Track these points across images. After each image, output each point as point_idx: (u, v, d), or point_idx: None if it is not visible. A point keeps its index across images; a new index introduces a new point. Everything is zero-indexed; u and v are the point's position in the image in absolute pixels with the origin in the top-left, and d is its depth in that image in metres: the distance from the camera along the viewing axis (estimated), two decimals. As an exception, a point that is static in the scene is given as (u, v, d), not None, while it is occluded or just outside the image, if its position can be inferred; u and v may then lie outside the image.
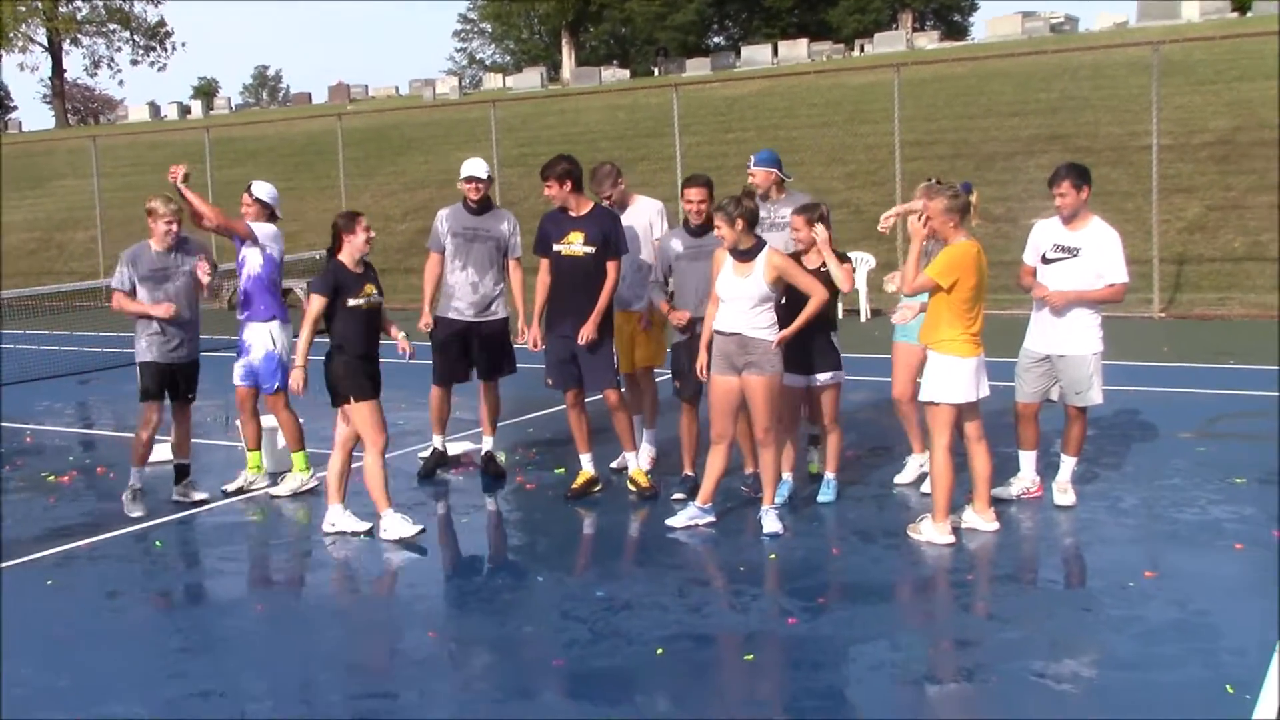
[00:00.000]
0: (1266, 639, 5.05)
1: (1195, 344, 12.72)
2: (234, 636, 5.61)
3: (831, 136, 22.38)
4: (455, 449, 8.76)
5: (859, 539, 6.75)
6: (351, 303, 6.92)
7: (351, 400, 6.91)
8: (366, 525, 7.03)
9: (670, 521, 7.00)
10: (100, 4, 54.67)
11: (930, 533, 6.54)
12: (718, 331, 6.85)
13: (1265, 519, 6.67)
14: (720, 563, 6.51)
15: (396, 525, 6.93)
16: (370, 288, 7.00)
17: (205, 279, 7.65)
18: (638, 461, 7.86)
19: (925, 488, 7.26)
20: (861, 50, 41.09)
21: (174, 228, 7.52)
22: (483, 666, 5.22)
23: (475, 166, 8.11)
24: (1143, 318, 14.65)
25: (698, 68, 39.12)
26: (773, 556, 6.46)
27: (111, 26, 55.23)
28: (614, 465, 8.10)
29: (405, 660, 5.27)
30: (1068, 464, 7.15)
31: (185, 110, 49.18)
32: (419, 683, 5.00)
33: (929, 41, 40.30)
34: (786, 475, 7.47)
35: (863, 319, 15.59)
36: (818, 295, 6.73)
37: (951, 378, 6.51)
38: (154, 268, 7.53)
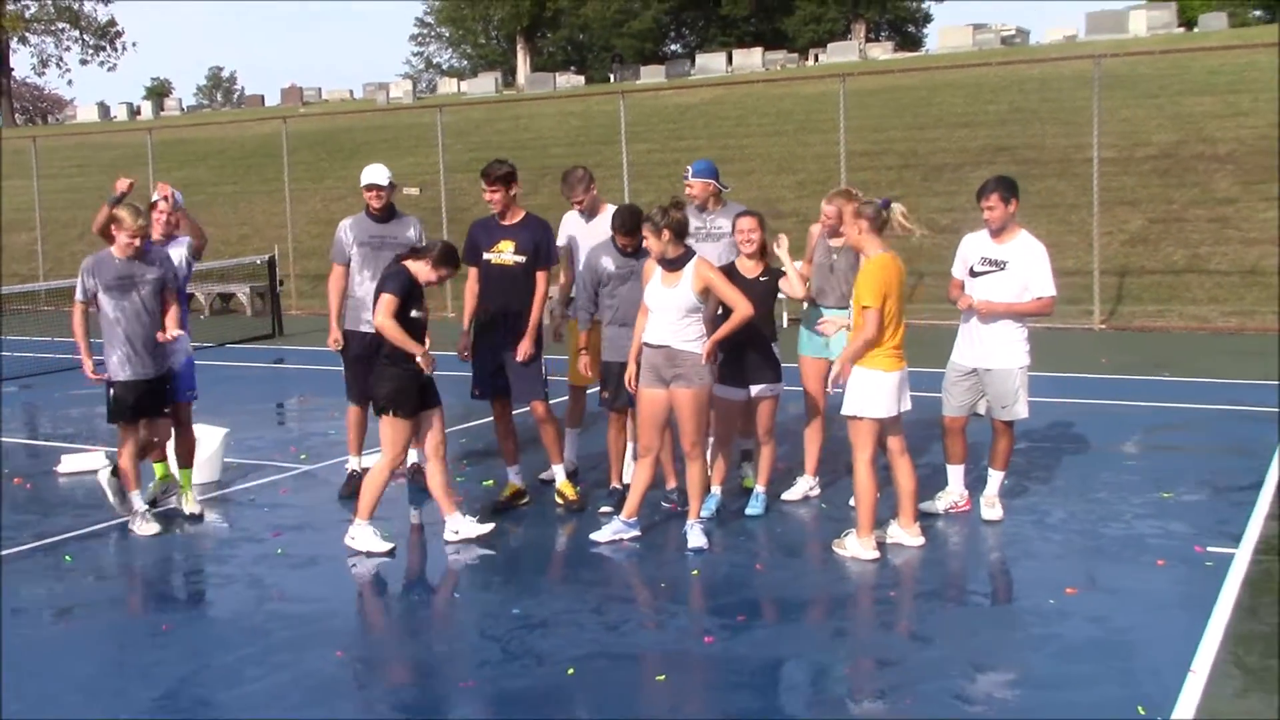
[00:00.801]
0: (1182, 657, 5.02)
1: (1134, 356, 12.78)
2: (132, 658, 5.44)
3: (782, 146, 22.42)
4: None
5: (784, 554, 6.68)
6: (414, 314, 6.79)
7: (390, 413, 6.78)
8: (489, 527, 6.98)
9: (594, 536, 6.89)
10: (49, 2, 53.91)
11: (855, 548, 6.47)
12: (646, 344, 6.76)
13: (1190, 534, 6.67)
14: (642, 579, 6.41)
15: (367, 537, 6.82)
16: (426, 302, 6.93)
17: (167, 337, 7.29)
18: (565, 474, 7.75)
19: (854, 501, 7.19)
20: (815, 60, 41.23)
21: (136, 242, 7.15)
22: (388, 688, 5.08)
23: (375, 173, 7.90)
24: (1084, 329, 14.72)
25: (653, 75, 39.09)
26: (695, 572, 6.37)
27: (60, 25, 54.50)
28: (542, 476, 7.98)
29: (308, 681, 5.11)
30: (995, 478, 7.11)
31: (135, 111, 48.54)
32: (321, 704, 4.86)
33: (883, 52, 40.49)
34: (715, 488, 7.39)
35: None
36: (740, 309, 6.62)
37: (875, 392, 6.43)
38: (119, 275, 7.16)
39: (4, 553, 6.98)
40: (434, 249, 6.88)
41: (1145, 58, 21.98)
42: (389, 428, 6.80)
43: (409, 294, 6.74)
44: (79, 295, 7.28)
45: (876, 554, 6.42)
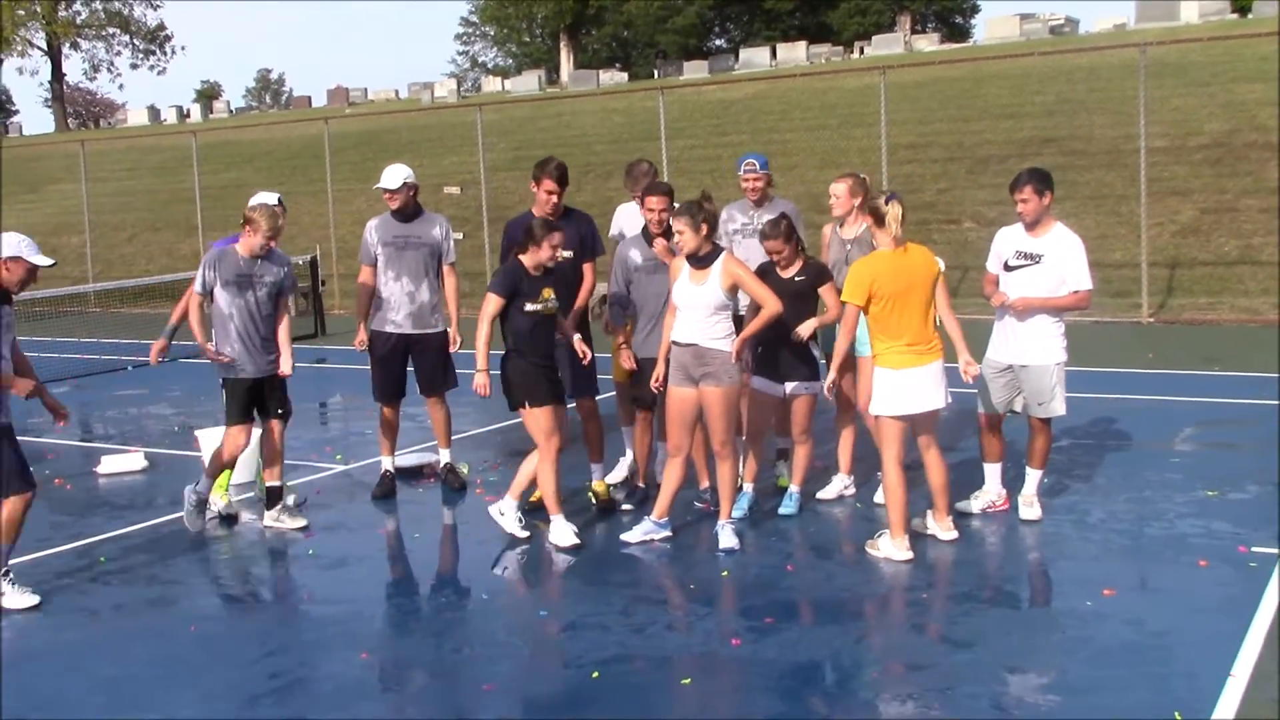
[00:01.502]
0: (1221, 662, 4.87)
1: (1183, 350, 12.52)
2: (164, 658, 5.44)
3: (825, 140, 22.22)
4: (413, 459, 8.60)
5: (815, 555, 6.58)
6: (529, 307, 6.78)
7: (526, 405, 6.78)
8: (572, 539, 6.85)
9: (625, 536, 6.83)
10: (99, 7, 54.69)
11: (888, 549, 6.37)
12: (674, 342, 6.68)
13: (1233, 534, 6.49)
14: (671, 580, 6.34)
15: (563, 532, 6.83)
16: (549, 292, 6.84)
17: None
18: (601, 473, 7.69)
19: (879, 498, 7.11)
20: (861, 53, 40.88)
21: (270, 244, 7.12)
22: (413, 690, 5.05)
23: (386, 177, 7.82)
24: (1132, 322, 14.46)
25: (696, 71, 38.93)
26: (725, 574, 6.29)
27: (111, 30, 55.24)
28: (610, 480, 7.85)
29: (334, 682, 5.09)
30: (1033, 477, 6.97)
31: (185, 114, 49.12)
32: (345, 706, 4.84)
33: (929, 44, 40.08)
34: (748, 486, 7.31)
35: None
36: (769, 306, 6.56)
37: (885, 390, 6.39)
38: (239, 273, 7.15)
39: (41, 554, 7.04)
40: (530, 232, 6.82)
41: (1196, 45, 21.54)
42: (530, 420, 6.82)
43: (514, 289, 6.75)
44: (197, 287, 7.33)
45: (910, 554, 6.31)
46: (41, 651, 5.56)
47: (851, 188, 7.28)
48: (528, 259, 6.81)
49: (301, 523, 7.38)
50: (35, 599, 6.17)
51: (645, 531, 6.82)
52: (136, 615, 6.06)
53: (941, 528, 6.57)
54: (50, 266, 6.47)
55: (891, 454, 6.39)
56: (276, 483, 7.46)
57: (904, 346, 6.32)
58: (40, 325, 19.16)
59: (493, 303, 6.77)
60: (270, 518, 7.43)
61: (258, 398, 7.33)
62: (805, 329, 6.90)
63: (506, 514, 6.96)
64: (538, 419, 6.77)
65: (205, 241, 22.78)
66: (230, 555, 7.04)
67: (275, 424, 7.43)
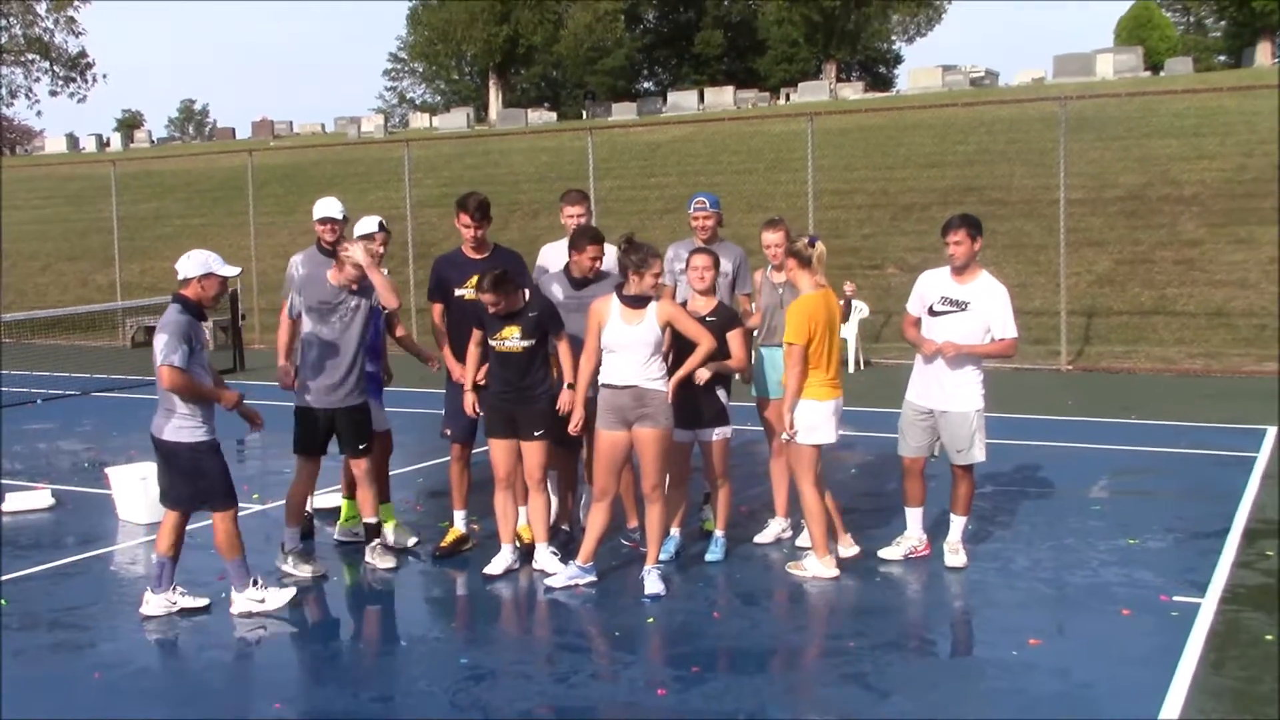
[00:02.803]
0: (1147, 712, 4.88)
1: (1101, 397, 12.73)
2: (66, 707, 5.20)
3: (752, 184, 22.40)
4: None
5: (742, 601, 6.51)
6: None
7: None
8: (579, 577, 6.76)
9: (549, 581, 6.71)
10: (19, 33, 53.51)
11: (815, 567, 6.57)
12: (608, 385, 6.58)
13: (1156, 583, 6.54)
14: (596, 627, 6.22)
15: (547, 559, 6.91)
16: (510, 330, 6.84)
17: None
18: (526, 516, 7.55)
19: (801, 540, 7.18)
20: (787, 99, 41.42)
21: (356, 275, 6.87)
22: (327, 743, 4.88)
23: (329, 206, 7.63)
24: (1050, 370, 14.67)
25: (624, 112, 39.15)
26: (650, 620, 6.19)
27: (30, 56, 54.03)
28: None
29: (245, 735, 4.91)
30: (957, 524, 6.98)
31: (105, 143, 48.23)
32: (255, 761, 4.65)
33: (854, 92, 40.73)
34: (675, 530, 7.24)
35: (851, 369, 14.60)
36: (705, 342, 6.63)
37: (814, 420, 6.63)
38: (323, 300, 6.91)
39: (-64, 596, 6.74)
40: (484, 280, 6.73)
41: (1112, 100, 22.14)
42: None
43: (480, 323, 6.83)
44: (288, 311, 7.18)
45: (836, 572, 6.51)
46: (-67, 701, 5.29)
47: (786, 234, 7.30)
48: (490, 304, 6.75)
49: (390, 564, 7.10)
50: (292, 591, 6.48)
51: (570, 576, 6.71)
52: (38, 662, 5.80)
53: (844, 546, 7.02)
54: (237, 275, 6.54)
55: (810, 477, 6.67)
56: (371, 519, 7.22)
57: (827, 380, 6.65)
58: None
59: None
60: (367, 553, 7.18)
61: (328, 431, 7.06)
62: (704, 374, 6.84)
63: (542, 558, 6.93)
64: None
65: (122, 272, 22.32)
66: (137, 599, 6.75)
67: (357, 462, 7.12)
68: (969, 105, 23.64)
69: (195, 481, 6.27)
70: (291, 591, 6.52)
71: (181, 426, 6.25)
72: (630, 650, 5.82)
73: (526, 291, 6.85)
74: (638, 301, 6.55)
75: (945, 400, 6.78)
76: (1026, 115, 22.06)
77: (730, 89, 41.71)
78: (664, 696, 5.19)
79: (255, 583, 6.42)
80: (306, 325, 7.02)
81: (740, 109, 37.54)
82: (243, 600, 6.38)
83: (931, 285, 6.89)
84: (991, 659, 5.56)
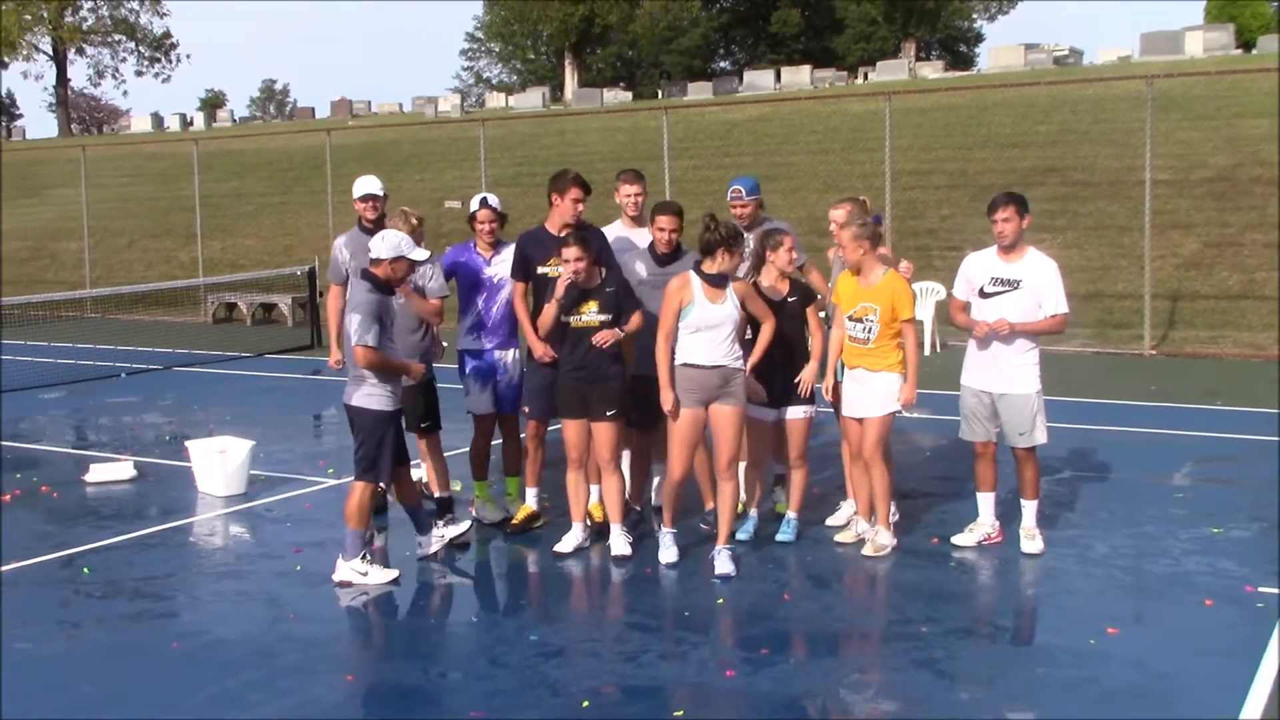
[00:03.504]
0: (1227, 707, 4.75)
1: (1185, 383, 12.41)
2: (145, 676, 5.32)
3: (828, 164, 22.15)
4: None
5: (813, 584, 6.45)
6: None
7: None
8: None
9: (661, 557, 6.72)
10: (106, 14, 54.69)
11: (885, 538, 6.77)
12: (694, 365, 6.52)
13: (1240, 573, 6.37)
14: (666, 607, 6.21)
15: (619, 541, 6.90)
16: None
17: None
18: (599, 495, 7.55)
19: (833, 519, 7.35)
20: (865, 78, 40.93)
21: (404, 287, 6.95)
22: (396, 716, 4.92)
23: (369, 183, 7.63)
24: (1133, 354, 14.35)
25: (700, 92, 38.96)
26: (720, 601, 6.16)
27: (116, 37, 55.26)
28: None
29: (317, 706, 4.96)
30: (1029, 509, 6.84)
31: (188, 122, 49.10)
32: (326, 732, 4.71)
33: (933, 71, 40.12)
34: (751, 511, 7.21)
35: (927, 352, 14.32)
36: (769, 323, 6.67)
37: (897, 393, 6.68)
38: None
39: (23, 564, 6.91)
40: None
41: (1201, 79, 21.54)
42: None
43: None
44: (331, 276, 7.57)
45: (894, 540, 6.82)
46: (20, 665, 5.42)
47: (851, 211, 7.19)
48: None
49: (461, 528, 7.13)
50: (395, 572, 6.58)
51: (668, 545, 6.76)
52: (118, 630, 5.93)
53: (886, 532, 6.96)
54: (427, 259, 6.76)
55: (885, 450, 6.80)
56: (442, 493, 7.44)
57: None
58: (37, 330, 19.07)
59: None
60: (435, 528, 7.20)
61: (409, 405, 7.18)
62: (808, 376, 6.90)
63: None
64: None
65: (204, 249, 22.72)
66: (215, 571, 6.90)
67: (422, 439, 7.40)
68: (1052, 84, 23.18)
69: (364, 445, 6.51)
70: (394, 573, 6.57)
71: (370, 394, 6.50)
72: (700, 631, 5.80)
73: (603, 269, 6.83)
74: (720, 280, 6.51)
75: (1005, 383, 6.67)
76: (1112, 94, 21.56)
77: (807, 68, 41.32)
78: (732, 678, 5.17)
79: (364, 557, 6.52)
80: None
81: (817, 88, 37.17)
82: (346, 569, 6.50)
83: (979, 267, 6.75)
84: (1066, 647, 5.45)
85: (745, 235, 6.76)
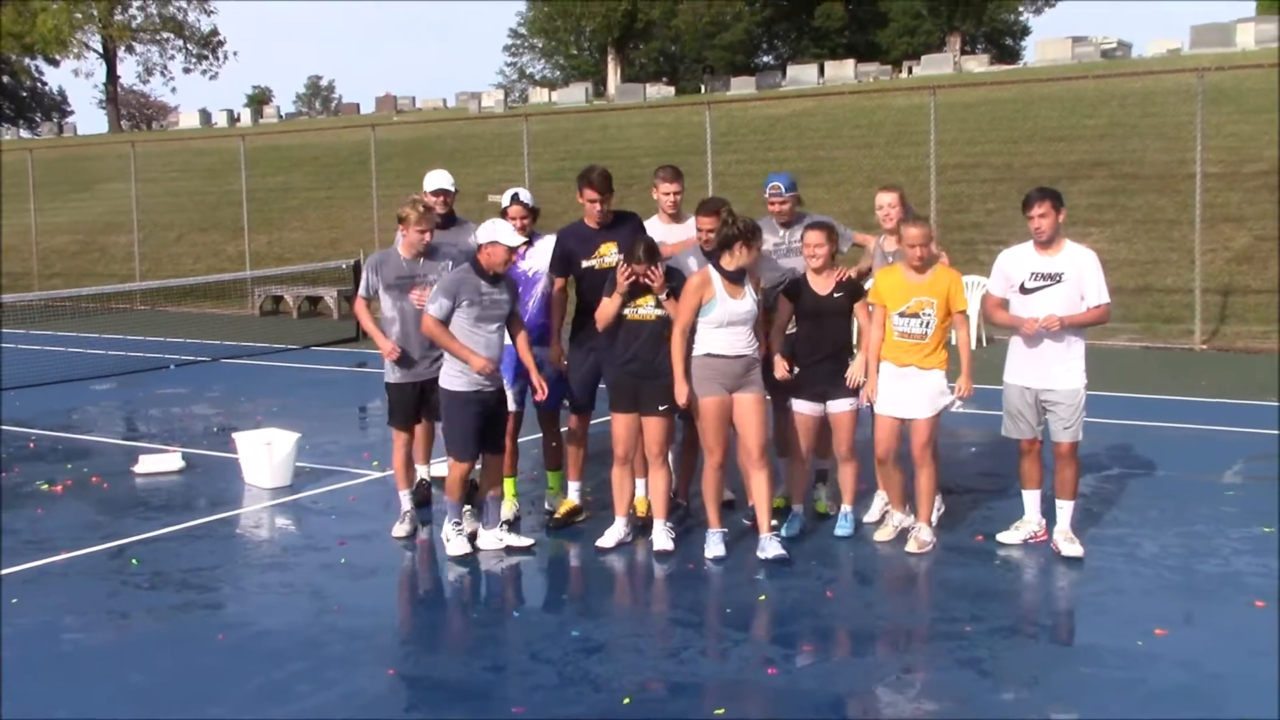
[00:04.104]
0: (1276, 709, 4.67)
1: (1237, 379, 12.22)
2: (191, 667, 5.38)
3: (873, 158, 22.01)
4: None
5: (856, 581, 6.42)
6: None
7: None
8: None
9: (708, 553, 6.72)
10: (154, 12, 55.27)
11: (926, 534, 6.76)
12: (719, 356, 6.59)
13: (1291, 574, 6.26)
14: (708, 603, 6.19)
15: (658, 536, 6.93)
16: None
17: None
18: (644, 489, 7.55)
19: (869, 516, 7.34)
20: (909, 72, 40.63)
21: (426, 237, 7.05)
22: (438, 709, 4.95)
23: (441, 178, 7.65)
24: (1183, 349, 14.15)
25: (743, 86, 38.80)
26: (763, 598, 6.14)
27: (165, 35, 55.81)
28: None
29: (360, 699, 4.99)
30: (1065, 509, 6.72)
31: (235, 118, 49.56)
32: (369, 724, 4.74)
33: (978, 65, 39.72)
34: (796, 507, 7.20)
35: (973, 346, 14.26)
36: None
37: (946, 390, 6.69)
38: (400, 275, 7.12)
39: (74, 554, 7.00)
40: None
41: (1254, 72, 21.18)
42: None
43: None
44: (362, 291, 7.34)
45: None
46: (69, 655, 5.51)
47: (901, 196, 7.17)
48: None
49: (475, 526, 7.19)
50: (468, 547, 6.83)
51: (716, 543, 6.76)
52: (166, 620, 6.00)
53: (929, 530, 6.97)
54: (520, 245, 6.80)
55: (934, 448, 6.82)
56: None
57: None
58: (87, 322, 19.34)
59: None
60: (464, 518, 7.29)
61: (420, 403, 7.25)
62: (855, 373, 6.86)
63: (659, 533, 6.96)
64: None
65: (251, 243, 22.92)
66: (261, 562, 6.96)
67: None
68: (1100, 78, 22.90)
69: (444, 423, 6.76)
70: (465, 549, 6.85)
71: (448, 373, 6.69)
72: (742, 628, 5.78)
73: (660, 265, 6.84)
74: (739, 275, 6.59)
75: (1053, 379, 6.59)
76: (1161, 87, 21.26)
77: (851, 62, 41.01)
78: (774, 675, 5.15)
79: (455, 524, 6.88)
80: (386, 304, 7.11)
81: (861, 82, 36.92)
82: (445, 528, 6.93)
83: (1017, 263, 6.67)
84: (1114, 648, 5.38)
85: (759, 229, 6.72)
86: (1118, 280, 16.82)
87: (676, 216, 7.45)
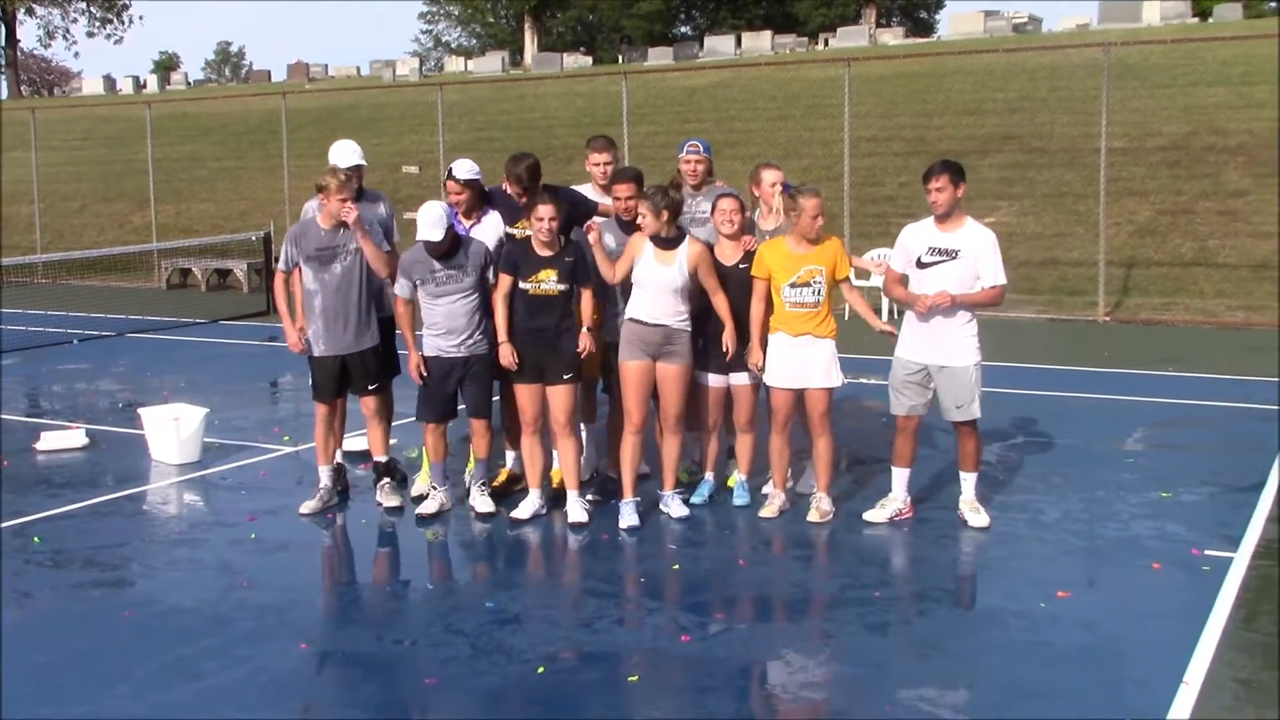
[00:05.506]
0: (1174, 668, 4.83)
1: (1138, 349, 12.55)
2: (96, 646, 5.28)
3: (788, 131, 22.14)
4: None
5: (767, 549, 6.50)
6: (521, 285, 6.89)
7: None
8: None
9: (623, 524, 6.74)
10: (56, -27, 53.63)
11: (827, 503, 6.84)
12: (637, 320, 6.69)
13: (1188, 537, 6.47)
14: (622, 572, 6.23)
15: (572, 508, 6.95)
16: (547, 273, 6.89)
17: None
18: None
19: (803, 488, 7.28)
20: (825, 44, 40.87)
21: (346, 205, 6.84)
22: (350, 683, 4.92)
23: (353, 153, 7.37)
24: (1088, 320, 14.49)
25: (661, 57, 38.74)
26: (676, 567, 6.19)
27: (67, -4, 54.21)
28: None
29: (271, 674, 4.95)
30: (969, 480, 6.77)
31: (141, 85, 48.30)
32: (277, 702, 4.69)
33: (894, 38, 40.12)
34: (707, 475, 7.25)
35: (884, 319, 14.28)
36: (721, 297, 6.76)
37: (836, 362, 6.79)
38: (320, 246, 6.92)
39: (-29, 533, 6.83)
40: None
41: (1158, 47, 21.67)
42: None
43: (515, 266, 6.77)
44: (281, 265, 7.12)
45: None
46: (-33, 636, 5.37)
47: (783, 178, 7.20)
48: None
49: (395, 502, 7.19)
50: (492, 505, 6.98)
51: (629, 513, 6.82)
52: (70, 599, 5.88)
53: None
54: (439, 239, 6.70)
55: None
56: (381, 458, 7.35)
57: None
58: (-16, 296, 18.74)
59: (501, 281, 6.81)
60: (376, 492, 7.32)
61: (343, 375, 7.14)
62: (756, 357, 6.84)
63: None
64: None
65: (158, 214, 22.40)
66: (169, 539, 6.85)
67: (368, 400, 7.23)
68: (1010, 51, 23.26)
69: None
70: (490, 506, 7.05)
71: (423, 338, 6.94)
72: (655, 596, 5.83)
73: (564, 237, 6.82)
74: (669, 243, 6.62)
75: (944, 355, 6.55)
76: (1069, 62, 21.67)
77: (768, 34, 41.16)
78: (688, 643, 5.19)
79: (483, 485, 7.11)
80: (308, 276, 6.99)
81: (778, 54, 37.09)
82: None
83: (916, 238, 6.63)
84: (1018, 611, 5.52)
85: (661, 198, 6.70)
86: (1025, 253, 17.19)
87: (608, 188, 7.38)
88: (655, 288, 6.63)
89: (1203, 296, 15.12)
